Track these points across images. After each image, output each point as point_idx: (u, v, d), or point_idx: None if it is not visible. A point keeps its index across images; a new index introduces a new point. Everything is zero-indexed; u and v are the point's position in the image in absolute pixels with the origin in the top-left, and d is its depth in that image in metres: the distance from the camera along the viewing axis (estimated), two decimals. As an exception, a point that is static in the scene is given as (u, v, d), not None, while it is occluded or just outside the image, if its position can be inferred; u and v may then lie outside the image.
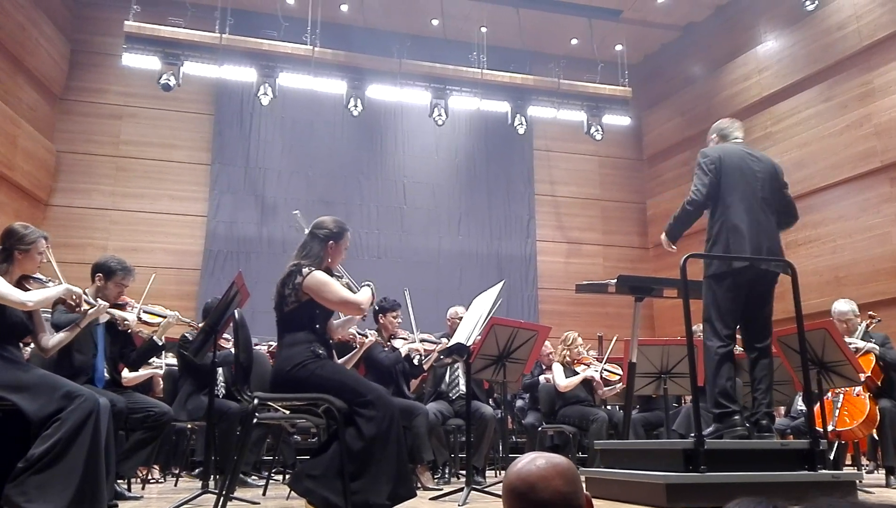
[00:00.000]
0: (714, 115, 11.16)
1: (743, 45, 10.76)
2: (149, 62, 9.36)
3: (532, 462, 1.50)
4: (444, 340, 5.37)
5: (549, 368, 6.31)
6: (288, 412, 3.41)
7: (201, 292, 9.73)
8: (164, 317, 4.13)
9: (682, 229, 3.98)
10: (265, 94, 9.57)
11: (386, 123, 11.30)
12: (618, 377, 6.10)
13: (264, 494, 4.35)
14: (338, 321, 3.60)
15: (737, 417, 3.65)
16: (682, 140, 11.67)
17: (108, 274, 3.97)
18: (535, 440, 6.16)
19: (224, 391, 5.08)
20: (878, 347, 5.09)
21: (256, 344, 5.20)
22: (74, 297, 3.38)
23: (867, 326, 5.33)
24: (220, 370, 5.06)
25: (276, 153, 10.89)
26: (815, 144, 9.55)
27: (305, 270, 3.24)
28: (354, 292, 3.39)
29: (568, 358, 6.09)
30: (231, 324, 3.99)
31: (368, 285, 3.42)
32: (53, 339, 3.58)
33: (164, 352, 5.63)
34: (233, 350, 4.72)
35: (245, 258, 9.85)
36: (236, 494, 3.56)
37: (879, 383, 5.03)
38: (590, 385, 6.11)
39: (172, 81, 9.28)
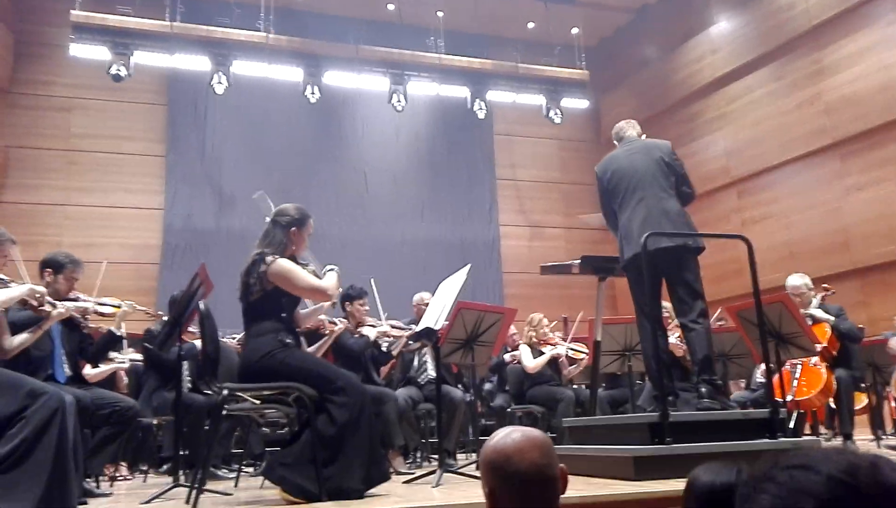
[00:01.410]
0: (669, 96, 11.36)
1: (696, 26, 10.93)
2: (98, 52, 9.12)
3: (508, 435, 1.53)
4: (413, 327, 5.38)
5: (516, 349, 6.38)
6: (258, 402, 3.38)
7: (161, 287, 9.56)
8: (119, 307, 4.07)
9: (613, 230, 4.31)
10: (219, 82, 9.40)
11: (344, 111, 11.20)
12: (583, 356, 6.20)
13: (236, 486, 4.32)
14: (305, 311, 3.59)
15: (670, 398, 3.80)
16: (640, 122, 11.70)
17: (58, 268, 3.89)
18: (505, 422, 6.23)
19: (190, 385, 5.01)
20: (832, 317, 5.26)
21: (221, 337, 5.15)
22: (38, 296, 3.31)
23: (822, 299, 5.50)
24: (185, 363, 4.99)
25: (232, 143, 10.71)
26: (767, 122, 9.78)
27: (269, 258, 3.22)
28: (321, 279, 3.37)
29: (534, 339, 6.16)
30: (196, 316, 3.95)
31: (333, 270, 3.40)
32: (15, 340, 3.50)
33: (126, 347, 5.56)
34: (197, 343, 4.69)
35: (204, 251, 9.68)
36: (208, 486, 3.52)
37: (835, 353, 5.21)
38: (556, 366, 6.20)
39: (123, 72, 9.06)
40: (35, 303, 3.31)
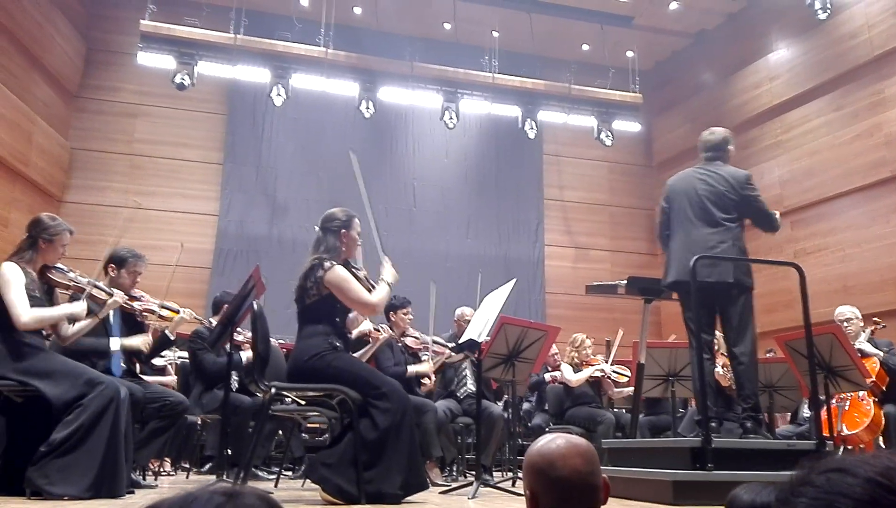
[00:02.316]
0: (724, 122, 11.19)
1: (754, 53, 10.80)
2: (164, 61, 9.47)
3: (553, 441, 1.56)
4: (451, 346, 5.42)
5: (557, 369, 6.36)
6: (303, 403, 3.47)
7: (211, 291, 9.80)
8: (178, 313, 4.19)
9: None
10: (278, 94, 9.66)
11: (397, 126, 11.37)
12: (626, 379, 6.14)
13: (276, 486, 4.41)
14: (352, 314, 3.67)
15: (713, 423, 3.75)
16: (692, 147, 11.59)
17: (120, 263, 4.04)
18: (542, 441, 6.19)
19: (237, 386, 5.14)
20: (882, 352, 5.13)
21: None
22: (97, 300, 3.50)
23: (871, 332, 5.36)
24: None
25: (287, 154, 10.97)
26: (825, 152, 9.58)
27: (327, 264, 3.33)
28: (371, 288, 3.46)
29: (576, 360, 6.13)
30: (243, 318, 4.07)
31: (384, 281, 3.46)
32: (73, 328, 3.66)
33: (175, 347, 5.72)
34: (241, 350, 4.82)
35: (255, 257, 9.89)
36: (249, 485, 3.61)
37: (884, 388, 5.06)
38: (598, 387, 6.15)
39: (187, 81, 9.39)
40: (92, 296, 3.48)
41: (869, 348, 5.19)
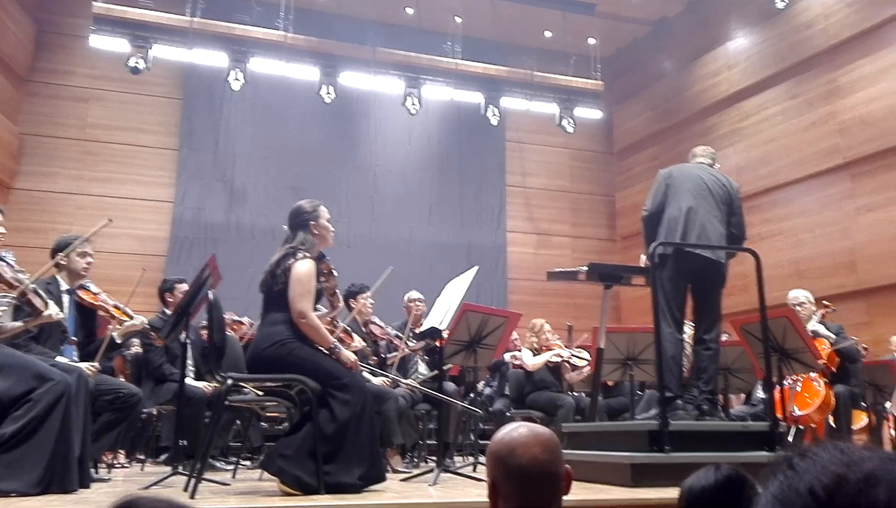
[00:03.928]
0: (683, 110, 11.36)
1: (713, 41, 10.93)
2: (117, 44, 9.19)
3: (515, 429, 1.56)
4: (411, 342, 5.41)
5: (518, 350, 6.40)
6: (261, 393, 3.42)
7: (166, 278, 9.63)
8: (132, 318, 4.06)
9: (648, 241, 4.25)
10: (236, 79, 9.46)
11: (358, 111, 11.25)
12: (585, 363, 6.21)
13: (234, 477, 4.35)
14: (320, 313, 3.60)
15: (678, 402, 3.80)
16: (652, 134, 11.83)
17: (65, 246, 3.92)
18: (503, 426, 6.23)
19: (193, 376, 5.05)
20: (833, 335, 5.27)
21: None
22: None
23: (822, 315, 5.50)
24: (189, 352, 5.03)
25: (245, 139, 10.78)
26: (780, 140, 9.76)
27: (299, 254, 3.29)
28: (344, 336, 3.42)
29: (536, 345, 6.17)
30: (198, 308, 3.99)
31: (337, 345, 3.35)
32: (7, 326, 3.52)
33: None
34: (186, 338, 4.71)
35: (213, 245, 9.71)
36: (206, 476, 3.55)
37: (835, 369, 5.20)
38: (557, 372, 6.20)
39: (141, 64, 9.14)
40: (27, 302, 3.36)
41: (822, 329, 5.34)
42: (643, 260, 4.34)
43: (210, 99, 10.71)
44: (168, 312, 5.06)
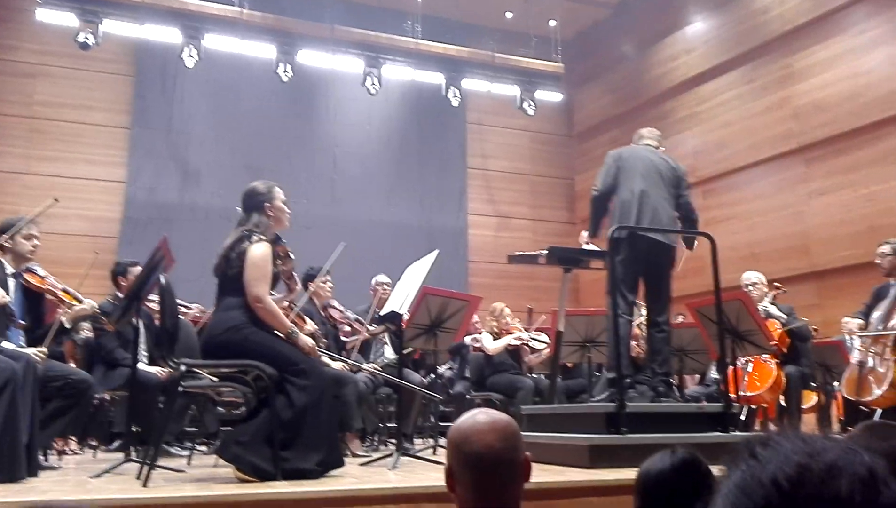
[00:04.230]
0: (642, 94, 11.45)
1: (672, 25, 11.01)
2: (65, 18, 8.85)
3: (474, 416, 1.55)
4: (372, 327, 5.37)
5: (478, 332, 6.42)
6: (216, 379, 3.35)
7: (118, 260, 9.39)
8: (81, 302, 3.95)
9: (595, 220, 4.33)
10: (190, 56, 9.20)
11: (316, 91, 11.06)
12: (545, 345, 6.25)
13: (189, 463, 4.28)
14: (276, 296, 3.53)
15: (632, 387, 3.87)
16: (611, 118, 11.90)
17: (8, 228, 3.79)
18: (464, 409, 6.25)
19: (146, 361, 4.94)
20: (785, 316, 5.40)
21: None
22: None
23: (774, 297, 5.63)
24: (142, 337, 4.92)
25: (200, 118, 10.52)
26: (736, 124, 9.92)
27: (254, 237, 3.21)
28: (299, 321, 3.35)
29: (495, 328, 6.19)
30: (150, 291, 3.89)
31: (294, 328, 3.29)
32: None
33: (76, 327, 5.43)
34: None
35: (166, 226, 9.48)
36: (160, 463, 3.48)
37: (786, 350, 5.33)
38: (517, 355, 6.24)
39: (90, 40, 8.82)
40: None
41: (775, 310, 5.46)
42: (584, 237, 4.38)
43: (163, 76, 10.41)
44: (120, 295, 4.93)
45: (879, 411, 4.66)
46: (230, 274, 3.20)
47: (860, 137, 8.45)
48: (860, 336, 4.70)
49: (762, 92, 9.60)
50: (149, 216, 9.94)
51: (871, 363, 4.53)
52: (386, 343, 5.56)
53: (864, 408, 4.85)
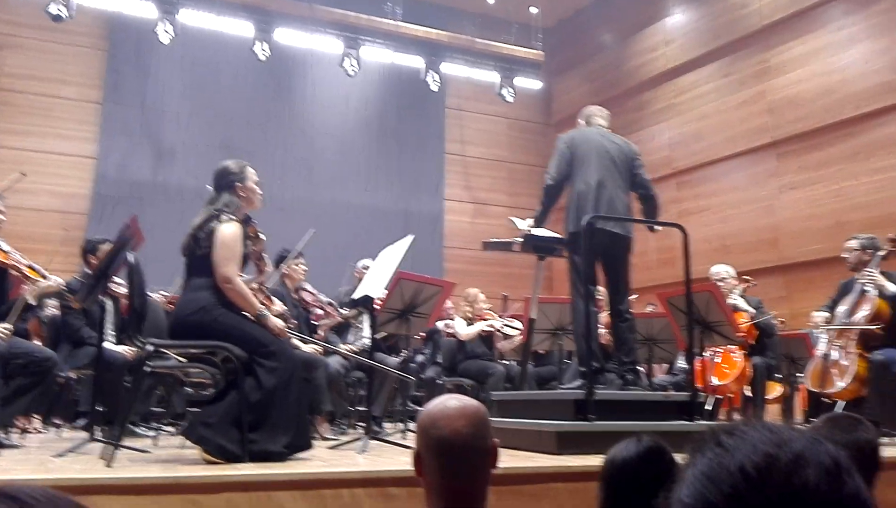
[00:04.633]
0: (621, 84, 11.48)
1: (653, 15, 11.03)
2: (36, -12, 8.64)
3: (444, 401, 1.55)
4: (344, 310, 5.34)
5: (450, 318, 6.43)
6: (183, 360, 3.31)
7: (88, 238, 9.23)
8: (45, 277, 3.87)
9: (545, 209, 4.35)
10: (165, 31, 9.04)
11: (294, 71, 10.92)
12: (517, 332, 6.28)
13: (155, 444, 4.23)
14: (246, 278, 3.50)
15: (601, 375, 3.90)
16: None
17: None
18: (435, 394, 6.27)
19: (114, 340, 4.87)
20: (753, 310, 5.48)
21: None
22: None
23: (743, 290, 5.71)
24: (108, 316, 4.84)
25: (174, 95, 10.33)
26: (712, 117, 10.00)
27: (224, 217, 3.16)
28: (266, 301, 3.36)
29: (469, 314, 6.20)
30: (118, 270, 3.82)
31: (262, 309, 3.25)
32: None
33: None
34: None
35: (138, 204, 9.34)
36: (126, 443, 3.44)
37: (753, 342, 5.41)
38: (490, 341, 6.26)
39: (63, 12, 8.62)
40: None
41: (743, 303, 5.54)
42: (527, 223, 4.39)
43: (137, 52, 10.19)
44: (89, 273, 4.84)
45: (842, 403, 4.76)
46: (199, 254, 3.15)
47: (832, 133, 8.57)
48: (825, 330, 4.78)
49: (739, 86, 9.68)
50: (120, 194, 9.77)
51: (834, 356, 4.61)
52: (364, 328, 5.53)
53: (826, 400, 4.95)
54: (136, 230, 3.65)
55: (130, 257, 3.28)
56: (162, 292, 5.43)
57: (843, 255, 4.90)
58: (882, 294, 4.50)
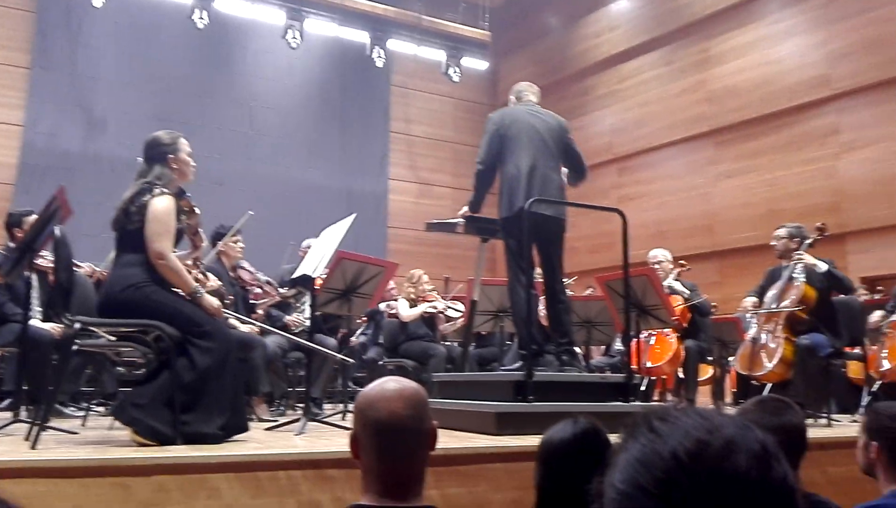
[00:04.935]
0: (566, 68, 11.57)
1: (598, 1, 11.12)
2: (-45, -59, 8.12)
3: (383, 383, 1.53)
4: (283, 290, 5.25)
5: (393, 299, 6.41)
6: (113, 338, 3.19)
7: (14, 210, 8.81)
8: None
9: (479, 194, 4.31)
10: (98, -7, 8.65)
11: (235, 41, 10.60)
12: (460, 314, 6.30)
13: (83, 425, 4.09)
14: (180, 253, 3.38)
15: (540, 356, 3.95)
16: (535, 90, 11.96)
17: None
18: (376, 375, 6.24)
19: (40, 316, 4.67)
20: (688, 291, 5.64)
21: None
22: None
23: (678, 274, 5.86)
24: (35, 292, 4.63)
25: (108, 62, 9.91)
26: (653, 104, 10.18)
27: (156, 190, 3.03)
28: (202, 278, 3.27)
29: (413, 295, 6.18)
30: (44, 243, 3.66)
31: (197, 287, 3.14)
32: None
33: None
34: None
35: (68, 175, 8.93)
36: (52, 424, 3.31)
37: (686, 325, 5.57)
38: (431, 323, 6.26)
39: (-15, -33, 8.13)
40: None
41: (679, 286, 5.68)
42: (464, 210, 4.39)
43: (68, 15, 9.72)
44: (13, 246, 4.61)
45: (769, 385, 4.94)
46: (129, 229, 3.03)
47: (767, 123, 8.85)
48: (755, 314, 4.94)
49: (680, 74, 9.87)
50: (48, 164, 9.35)
51: (763, 339, 4.78)
52: (306, 309, 5.44)
53: (755, 382, 5.13)
54: (63, 202, 3.49)
55: (57, 230, 3.13)
56: (90, 265, 5.23)
57: (771, 243, 5.05)
58: (810, 279, 4.67)
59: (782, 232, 4.96)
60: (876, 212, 7.75)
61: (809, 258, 4.69)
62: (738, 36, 9.22)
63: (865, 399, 5.14)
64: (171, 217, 3.04)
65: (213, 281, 3.70)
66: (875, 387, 5.13)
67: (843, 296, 4.99)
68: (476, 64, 11.16)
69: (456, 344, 6.55)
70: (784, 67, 8.73)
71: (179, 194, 3.19)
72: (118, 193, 3.23)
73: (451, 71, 10.86)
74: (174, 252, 3.12)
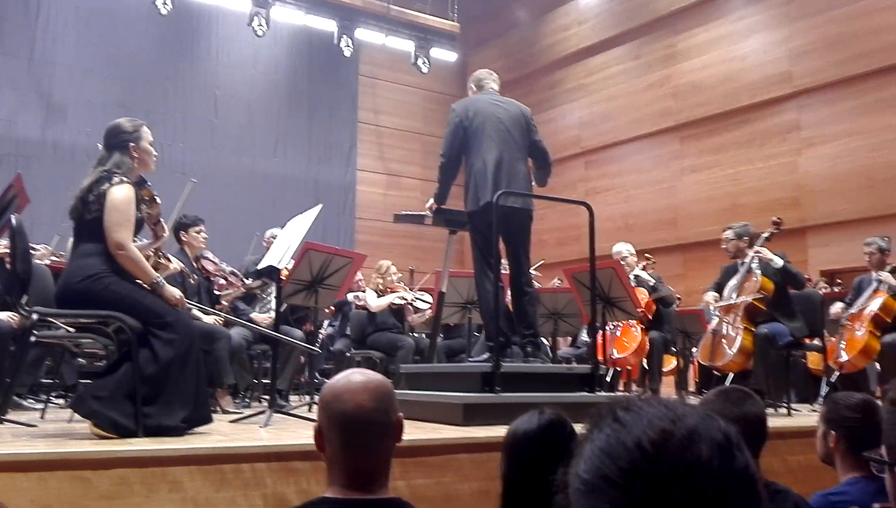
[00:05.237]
0: (535, 61, 11.60)
1: (567, -6, 11.17)
2: None
3: (348, 375, 1.52)
4: (248, 280, 5.18)
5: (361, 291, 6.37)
6: (73, 330, 3.12)
7: (-29, 198, 8.56)
8: None
9: (443, 187, 4.28)
10: (57, -23, 8.41)
11: (199, 27, 10.41)
12: (428, 306, 6.30)
13: (42, 417, 4.00)
14: (140, 243, 3.31)
15: (508, 348, 3.96)
16: (503, 84, 11.85)
17: None
18: (343, 366, 6.21)
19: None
20: (652, 280, 5.72)
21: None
22: None
23: (643, 267, 5.93)
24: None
25: (67, 48, 9.66)
26: (620, 99, 10.27)
27: (115, 179, 2.95)
28: (162, 259, 3.22)
29: (381, 286, 6.16)
30: (1, 232, 3.56)
31: (157, 276, 3.09)
32: None
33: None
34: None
35: (25, 163, 8.72)
36: (10, 417, 3.23)
37: (650, 316, 5.65)
38: (400, 314, 6.25)
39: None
40: None
41: (645, 275, 5.76)
42: (430, 204, 4.39)
43: (26, -2, 9.45)
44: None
45: (731, 375, 5.04)
46: (88, 218, 2.95)
47: (730, 119, 8.99)
48: (716, 306, 5.03)
49: (646, 69, 9.97)
50: (5, 151, 9.11)
51: (724, 329, 4.87)
52: (272, 300, 5.38)
53: (716, 373, 5.22)
54: (20, 190, 3.41)
55: (14, 218, 3.04)
56: (45, 246, 5.10)
57: (722, 246, 5.11)
58: (766, 272, 4.76)
59: (730, 234, 5.04)
60: (835, 207, 7.94)
61: (767, 253, 4.78)
62: (703, 32, 9.34)
63: (824, 390, 5.28)
64: (131, 206, 2.98)
65: (175, 264, 3.62)
66: (834, 378, 5.25)
67: (803, 290, 5.09)
68: (445, 55, 11.13)
69: (424, 335, 6.55)
70: (747, 63, 8.87)
71: (140, 184, 3.12)
72: (77, 181, 3.16)
73: (419, 62, 10.81)
74: (134, 242, 3.06)
